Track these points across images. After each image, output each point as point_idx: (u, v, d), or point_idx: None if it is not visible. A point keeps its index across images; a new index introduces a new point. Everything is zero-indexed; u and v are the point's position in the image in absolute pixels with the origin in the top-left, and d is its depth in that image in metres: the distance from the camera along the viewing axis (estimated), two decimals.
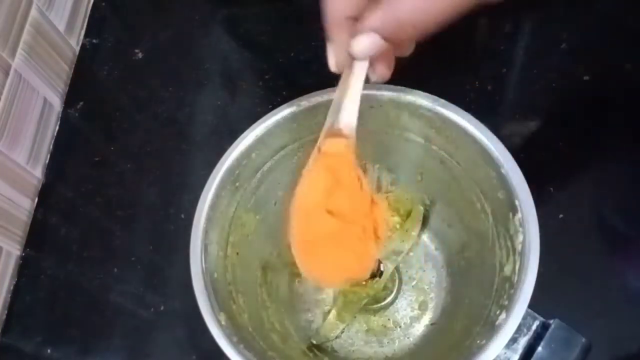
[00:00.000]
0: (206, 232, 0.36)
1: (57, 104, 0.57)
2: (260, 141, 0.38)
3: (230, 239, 0.39)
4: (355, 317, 0.44)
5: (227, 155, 0.38)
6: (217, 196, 0.37)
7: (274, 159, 0.40)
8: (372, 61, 0.31)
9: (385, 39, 0.29)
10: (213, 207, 0.37)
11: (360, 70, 0.31)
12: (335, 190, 0.32)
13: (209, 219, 0.36)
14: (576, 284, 0.44)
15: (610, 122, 0.49)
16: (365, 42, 0.29)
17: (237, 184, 0.38)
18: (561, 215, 0.46)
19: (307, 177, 0.32)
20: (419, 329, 0.43)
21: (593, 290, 0.44)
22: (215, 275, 0.36)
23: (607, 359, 0.41)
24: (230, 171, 0.38)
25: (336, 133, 0.32)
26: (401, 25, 0.28)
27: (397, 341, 0.43)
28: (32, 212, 0.52)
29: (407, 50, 0.32)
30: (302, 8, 0.60)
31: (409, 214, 0.45)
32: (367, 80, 0.32)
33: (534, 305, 0.32)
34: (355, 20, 0.29)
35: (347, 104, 0.32)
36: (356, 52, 0.30)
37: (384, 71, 0.32)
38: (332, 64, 0.32)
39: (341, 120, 0.32)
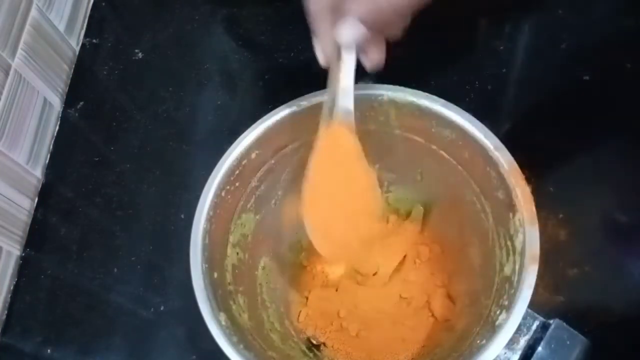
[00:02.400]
0: (206, 232, 0.36)
1: (57, 104, 0.57)
2: (260, 141, 0.38)
3: (230, 239, 0.39)
4: None
5: (227, 155, 0.38)
6: (217, 196, 0.37)
7: (274, 159, 0.40)
8: (364, 48, 0.31)
9: (369, 25, 0.29)
10: (213, 207, 0.37)
11: (349, 59, 0.31)
12: (341, 163, 0.34)
13: (209, 219, 0.36)
14: (576, 284, 0.44)
15: (610, 122, 0.49)
16: (349, 29, 0.29)
17: (237, 184, 0.38)
18: (561, 215, 0.46)
19: (315, 159, 0.34)
20: None
21: (593, 290, 0.44)
22: (215, 275, 0.36)
23: (607, 359, 0.41)
24: (230, 171, 0.38)
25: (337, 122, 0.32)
26: (382, 11, 0.28)
27: None
28: (32, 212, 0.52)
29: (397, 33, 0.32)
30: (302, 8, 0.60)
31: (409, 214, 0.45)
32: (363, 70, 0.32)
33: (534, 305, 0.32)
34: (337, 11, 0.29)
35: (342, 91, 0.32)
36: (342, 40, 0.30)
37: (376, 56, 0.32)
38: (321, 58, 0.32)
39: (339, 106, 0.32)
